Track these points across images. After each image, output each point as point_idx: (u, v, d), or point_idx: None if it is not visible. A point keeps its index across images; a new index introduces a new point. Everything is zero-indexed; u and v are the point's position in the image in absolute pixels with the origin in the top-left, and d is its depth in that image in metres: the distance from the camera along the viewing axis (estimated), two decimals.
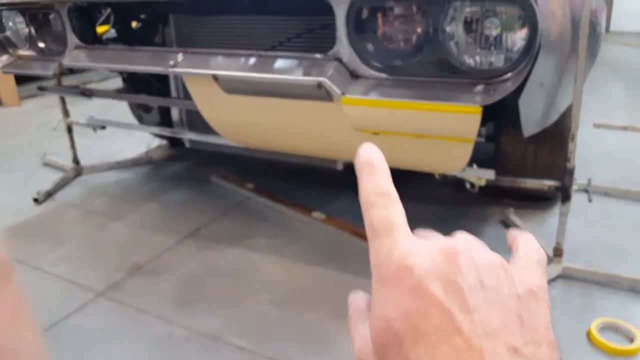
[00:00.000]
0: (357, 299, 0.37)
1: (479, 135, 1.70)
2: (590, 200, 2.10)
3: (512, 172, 2.28)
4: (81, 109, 3.74)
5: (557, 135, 2.27)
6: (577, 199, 2.13)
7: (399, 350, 0.29)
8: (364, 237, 2.32)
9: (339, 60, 1.76)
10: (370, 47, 1.76)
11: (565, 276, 2.02)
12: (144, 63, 2.23)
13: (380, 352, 0.31)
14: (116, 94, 3.02)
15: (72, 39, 2.45)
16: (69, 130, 3.19)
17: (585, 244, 2.22)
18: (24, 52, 2.75)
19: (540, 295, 0.32)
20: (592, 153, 2.99)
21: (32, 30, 2.69)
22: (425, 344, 0.29)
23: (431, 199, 2.78)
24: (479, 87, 1.59)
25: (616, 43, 7.42)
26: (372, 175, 0.36)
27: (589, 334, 1.72)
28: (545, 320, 0.31)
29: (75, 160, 3.27)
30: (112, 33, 2.92)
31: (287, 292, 2.07)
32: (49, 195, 3.00)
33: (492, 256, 0.33)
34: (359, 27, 1.73)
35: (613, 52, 6.73)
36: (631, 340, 1.68)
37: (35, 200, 2.91)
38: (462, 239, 0.34)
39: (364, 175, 0.36)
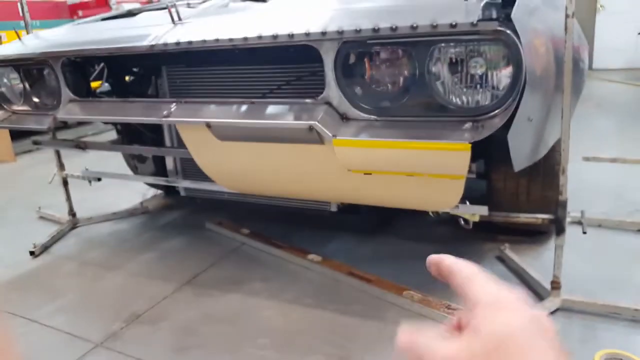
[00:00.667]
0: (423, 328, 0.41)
1: (470, 172, 1.72)
2: (584, 232, 2.12)
3: (506, 208, 2.30)
4: (76, 162, 3.76)
5: (548, 170, 2.31)
6: (572, 231, 2.15)
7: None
8: (360, 277, 2.33)
9: (328, 104, 1.80)
10: (358, 90, 1.81)
11: (565, 309, 2.02)
12: (137, 114, 2.27)
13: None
14: (110, 146, 3.06)
15: (66, 93, 2.50)
16: (65, 183, 3.21)
17: (582, 276, 2.23)
18: (18, 107, 2.79)
19: None
20: (583, 186, 3.03)
21: (27, 85, 2.74)
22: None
23: (425, 238, 2.79)
24: (467, 125, 1.63)
25: (599, 80, 7.58)
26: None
27: None
28: None
29: (71, 213, 3.28)
30: (106, 87, 2.97)
31: (285, 336, 2.05)
32: (45, 248, 2.99)
33: None
34: (347, 72, 1.78)
35: (597, 88, 6.88)
36: None
37: (32, 253, 2.91)
38: None
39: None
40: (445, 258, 0.44)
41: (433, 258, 0.45)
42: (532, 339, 0.35)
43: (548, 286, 2.06)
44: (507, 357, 0.34)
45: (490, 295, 0.39)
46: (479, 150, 1.61)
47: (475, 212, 2.02)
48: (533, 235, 2.63)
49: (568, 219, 2.04)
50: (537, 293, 2.14)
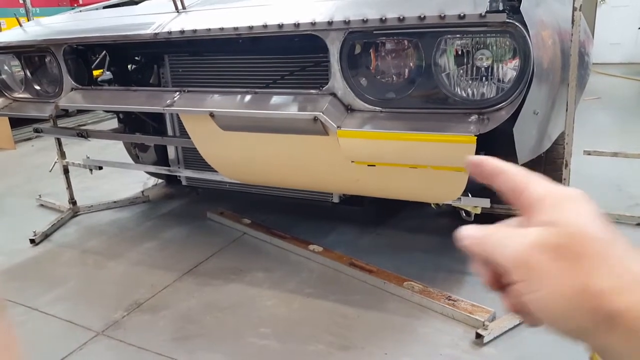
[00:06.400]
0: (494, 225, 0.41)
1: None
2: None
3: (507, 200, 2.30)
4: (77, 150, 3.77)
5: (550, 163, 2.31)
6: None
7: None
8: (361, 268, 2.34)
9: (333, 95, 1.80)
10: (364, 81, 1.80)
11: None
12: (140, 103, 2.26)
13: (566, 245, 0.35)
14: (112, 134, 3.05)
15: (68, 81, 2.48)
16: (65, 171, 3.21)
17: None
18: (19, 94, 2.78)
19: None
20: (583, 179, 3.03)
21: (28, 73, 2.73)
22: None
23: (427, 229, 2.80)
24: (473, 117, 1.63)
25: (599, 74, 7.58)
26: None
27: (592, 358, 1.72)
28: None
29: (72, 201, 3.27)
30: (108, 75, 2.96)
31: (287, 325, 2.06)
32: (45, 236, 2.99)
33: None
34: (353, 62, 1.77)
35: (596, 82, 6.88)
36: None
37: (32, 241, 2.90)
38: None
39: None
40: (488, 158, 0.44)
41: (474, 158, 0.44)
42: (600, 231, 0.35)
43: None
44: (582, 246, 0.34)
45: (554, 191, 0.39)
46: (481, 142, 1.61)
47: (477, 205, 2.02)
48: None
49: None
50: None
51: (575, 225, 0.35)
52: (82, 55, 2.65)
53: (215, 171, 2.41)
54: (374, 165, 1.88)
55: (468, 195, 2.00)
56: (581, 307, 0.33)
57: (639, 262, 0.34)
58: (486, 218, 2.22)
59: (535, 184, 0.40)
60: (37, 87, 2.73)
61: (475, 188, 2.09)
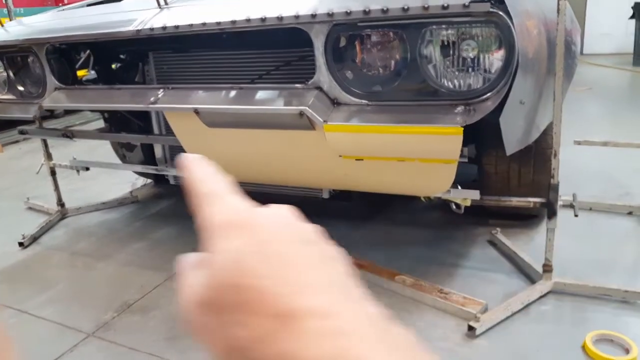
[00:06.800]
0: (187, 256, 0.35)
1: (462, 156, 1.71)
2: (576, 215, 2.11)
3: (497, 192, 2.29)
4: (64, 152, 3.73)
5: (539, 154, 2.30)
6: (563, 214, 2.15)
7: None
8: (352, 263, 2.32)
9: (319, 89, 1.78)
10: (349, 74, 1.78)
11: (556, 291, 2.03)
12: (124, 101, 2.24)
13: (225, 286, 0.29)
14: (98, 134, 3.02)
15: (52, 81, 2.45)
16: (52, 173, 3.17)
17: (573, 259, 2.23)
18: (2, 96, 2.74)
19: None
20: (574, 169, 3.03)
21: (11, 73, 2.69)
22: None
23: (418, 223, 2.79)
24: (459, 108, 1.61)
25: (589, 64, 7.60)
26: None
27: (584, 347, 1.71)
28: None
29: (60, 203, 3.24)
30: (92, 74, 2.93)
31: None
32: (34, 239, 2.96)
33: None
34: (338, 56, 1.75)
35: (587, 73, 6.89)
36: (627, 351, 1.68)
37: (21, 244, 2.87)
38: None
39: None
40: (193, 160, 0.35)
41: (181, 157, 0.36)
42: (255, 271, 0.29)
43: (540, 269, 2.06)
44: (233, 294, 0.29)
45: (224, 217, 0.32)
46: (470, 134, 1.59)
47: (466, 197, 2.01)
48: (524, 219, 2.63)
49: (559, 203, 2.03)
50: (529, 276, 2.15)
51: (228, 270, 0.29)
52: (65, 55, 2.61)
53: None
54: (362, 160, 1.87)
55: (457, 188, 1.98)
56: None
57: (297, 301, 0.28)
58: (476, 210, 2.21)
59: (211, 205, 0.33)
60: (21, 88, 2.70)
61: (465, 180, 2.08)
